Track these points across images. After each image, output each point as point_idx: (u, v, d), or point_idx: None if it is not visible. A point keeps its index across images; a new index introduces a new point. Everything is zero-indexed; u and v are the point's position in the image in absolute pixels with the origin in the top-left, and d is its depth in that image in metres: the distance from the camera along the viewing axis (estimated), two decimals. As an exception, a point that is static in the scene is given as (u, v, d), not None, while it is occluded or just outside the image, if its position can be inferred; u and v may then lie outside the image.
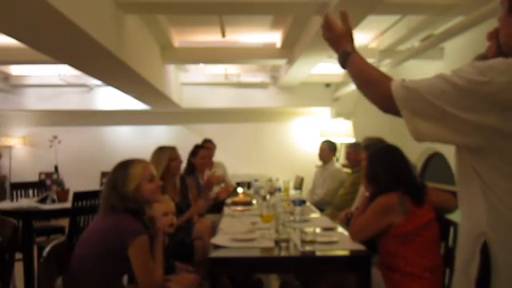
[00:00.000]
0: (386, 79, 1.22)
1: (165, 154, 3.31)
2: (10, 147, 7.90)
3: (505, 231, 1.08)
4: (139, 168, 2.12)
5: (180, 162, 3.46)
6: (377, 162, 2.32)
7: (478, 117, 1.06)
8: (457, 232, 2.15)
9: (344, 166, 5.38)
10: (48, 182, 6.66)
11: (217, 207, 4.14)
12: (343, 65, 1.39)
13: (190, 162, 4.41)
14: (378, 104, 1.24)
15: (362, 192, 2.74)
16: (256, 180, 4.82)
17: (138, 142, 7.85)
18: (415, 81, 1.16)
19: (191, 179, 3.92)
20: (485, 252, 1.09)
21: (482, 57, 1.27)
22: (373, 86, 1.26)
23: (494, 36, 1.24)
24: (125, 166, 2.12)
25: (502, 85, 1.04)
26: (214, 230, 2.74)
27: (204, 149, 4.57)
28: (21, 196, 4.69)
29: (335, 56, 1.44)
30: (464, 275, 1.16)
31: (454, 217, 2.26)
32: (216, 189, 4.78)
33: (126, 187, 2.04)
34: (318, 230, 2.63)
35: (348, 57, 1.36)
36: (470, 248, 1.14)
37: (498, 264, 1.07)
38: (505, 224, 1.08)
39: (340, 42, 1.42)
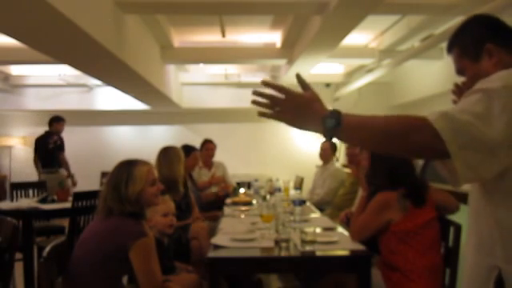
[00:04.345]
0: (419, 119, 0.99)
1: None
2: (9, 147, 7.90)
3: None
4: (144, 170, 2.05)
5: None
6: (378, 162, 2.33)
7: None
8: (457, 232, 2.15)
9: (344, 165, 5.38)
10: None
11: (216, 207, 4.13)
12: (334, 132, 1.03)
13: None
14: (429, 152, 1.02)
15: (362, 192, 2.74)
16: (256, 180, 4.82)
17: (138, 142, 7.84)
18: (453, 108, 1.00)
19: None
20: (499, 285, 1.05)
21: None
22: (412, 132, 0.98)
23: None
24: (129, 167, 2.04)
25: None
26: (211, 234, 2.71)
27: (197, 150, 4.47)
28: (21, 196, 4.69)
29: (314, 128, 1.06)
30: None
31: (454, 217, 2.25)
32: (215, 189, 4.78)
33: (129, 189, 1.98)
34: (318, 230, 2.62)
35: (341, 118, 1.02)
36: (481, 282, 1.11)
37: None
38: None
39: (310, 109, 1.06)
